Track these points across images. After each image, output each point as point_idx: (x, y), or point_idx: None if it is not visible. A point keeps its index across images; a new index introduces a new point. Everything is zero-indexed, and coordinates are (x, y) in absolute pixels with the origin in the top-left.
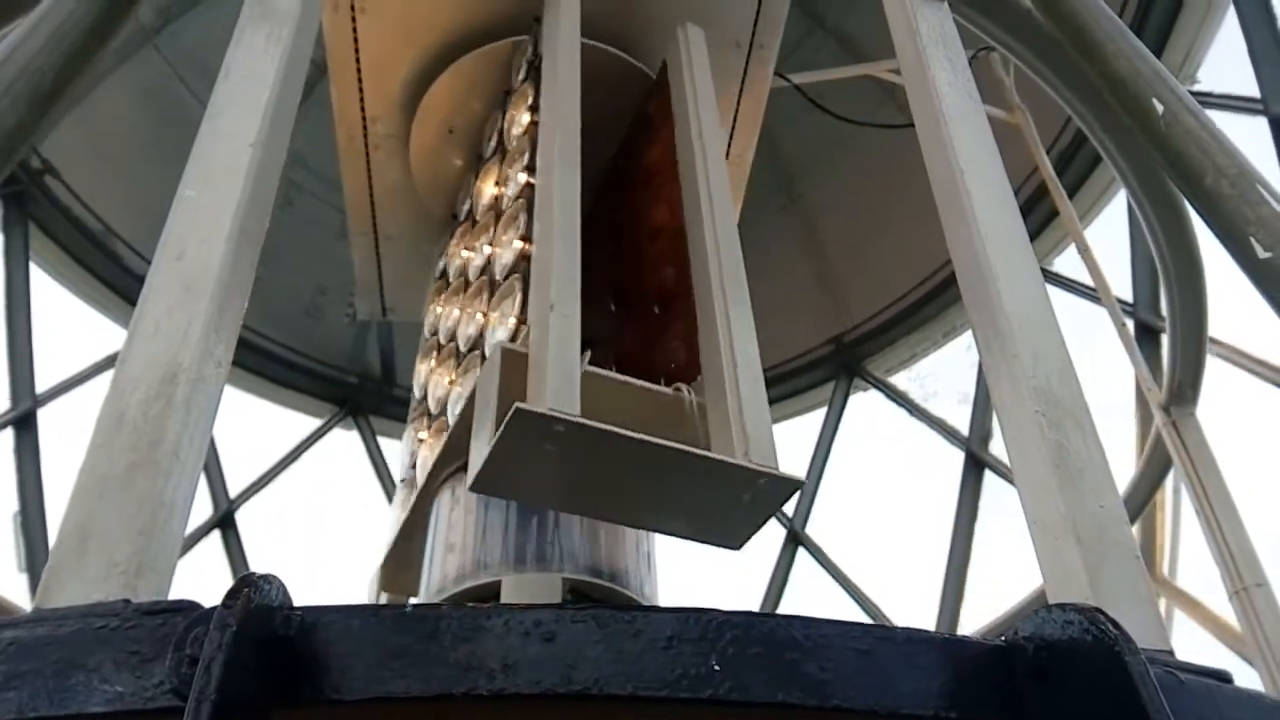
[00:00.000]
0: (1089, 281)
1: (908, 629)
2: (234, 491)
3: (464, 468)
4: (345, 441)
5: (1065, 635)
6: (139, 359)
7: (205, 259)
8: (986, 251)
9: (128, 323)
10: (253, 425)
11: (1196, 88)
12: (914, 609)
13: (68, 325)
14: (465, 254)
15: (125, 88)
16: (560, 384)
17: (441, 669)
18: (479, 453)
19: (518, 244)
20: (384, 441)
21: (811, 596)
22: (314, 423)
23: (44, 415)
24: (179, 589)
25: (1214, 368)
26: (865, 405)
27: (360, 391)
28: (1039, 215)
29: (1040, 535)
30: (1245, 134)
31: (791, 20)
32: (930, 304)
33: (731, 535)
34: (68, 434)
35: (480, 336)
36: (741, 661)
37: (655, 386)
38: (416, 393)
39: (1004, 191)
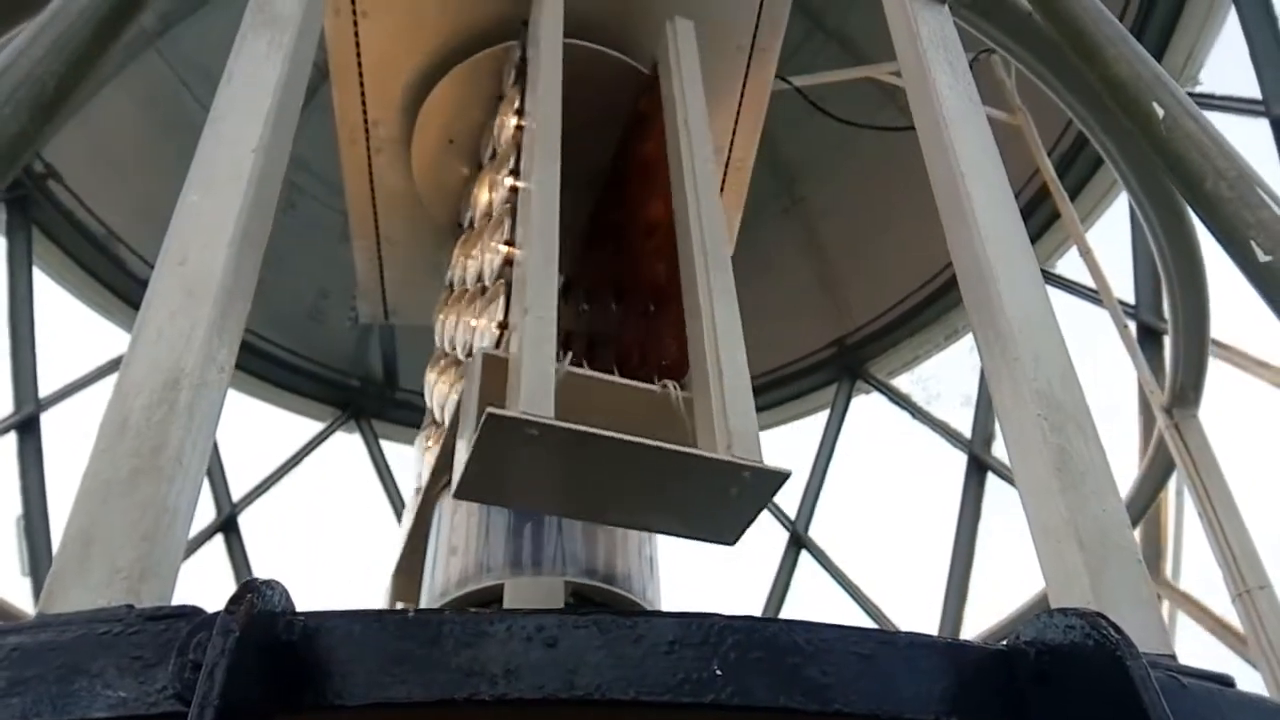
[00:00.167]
0: (1091, 283)
1: (909, 633)
2: (236, 495)
3: None
4: (348, 445)
5: (1067, 640)
6: (142, 364)
7: (208, 264)
8: (987, 254)
9: (130, 326)
10: (255, 429)
11: (1198, 89)
12: (917, 612)
13: (70, 329)
14: (466, 262)
15: (128, 92)
16: (533, 387)
17: (444, 674)
18: (460, 459)
19: (502, 248)
20: (386, 445)
21: (814, 599)
22: (316, 426)
23: (47, 419)
24: (181, 593)
25: (1216, 370)
26: (867, 408)
27: (363, 395)
28: (1041, 217)
29: (1042, 539)
30: (1247, 136)
31: (792, 23)
32: (932, 306)
33: (724, 531)
34: (70, 438)
35: (473, 343)
36: (743, 666)
37: (642, 384)
38: (427, 401)
39: (1005, 194)
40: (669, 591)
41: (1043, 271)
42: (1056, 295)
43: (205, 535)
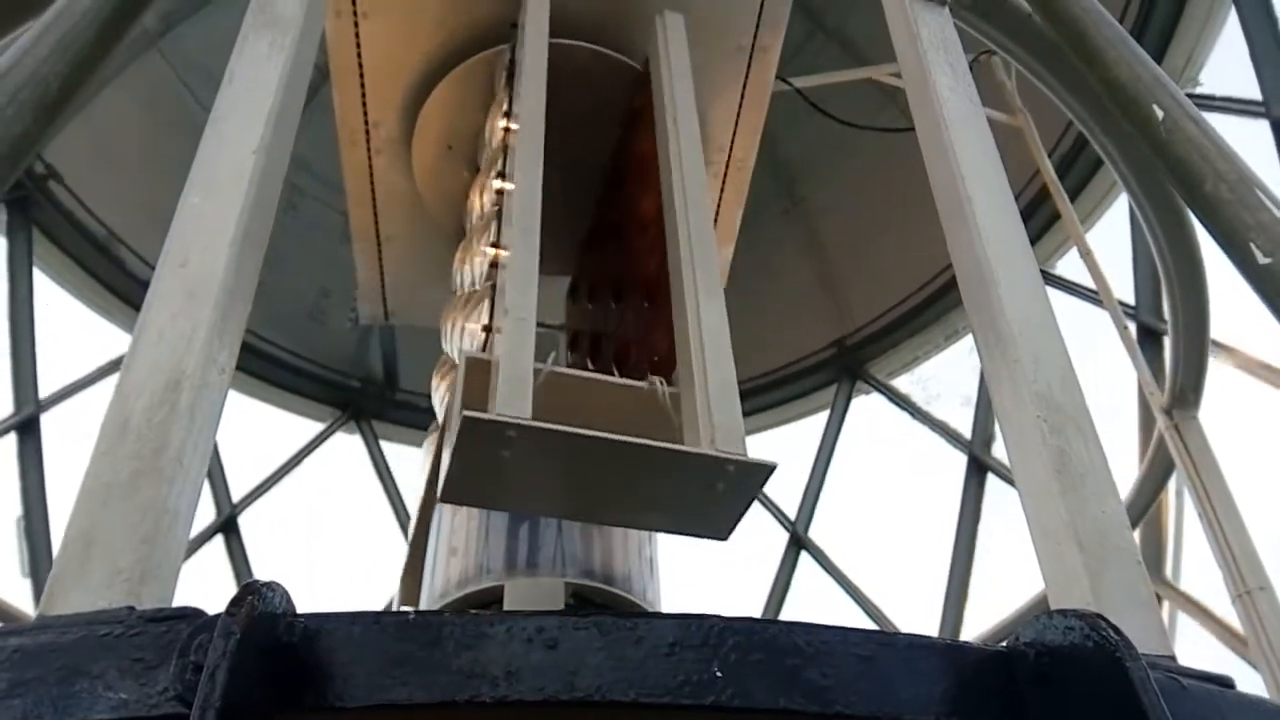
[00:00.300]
0: (1091, 284)
1: (909, 635)
2: (237, 496)
3: None
4: (348, 446)
5: (1066, 641)
6: (143, 365)
7: (209, 266)
8: (988, 256)
9: (131, 327)
10: (255, 429)
11: (1198, 90)
12: (917, 612)
13: (71, 330)
14: (464, 267)
15: (129, 93)
16: (510, 388)
17: (444, 676)
18: (444, 463)
19: (490, 251)
20: (386, 446)
21: (814, 600)
22: (317, 427)
23: (47, 420)
24: (181, 594)
25: (1216, 371)
26: (867, 408)
27: (363, 396)
28: (1041, 218)
29: (1042, 541)
30: (1247, 137)
31: (792, 23)
32: (932, 307)
33: (715, 526)
34: (71, 439)
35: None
36: (743, 668)
37: (630, 381)
38: (434, 404)
39: (1005, 196)
40: (669, 592)
41: (1043, 272)
42: (1056, 296)
43: (205, 536)
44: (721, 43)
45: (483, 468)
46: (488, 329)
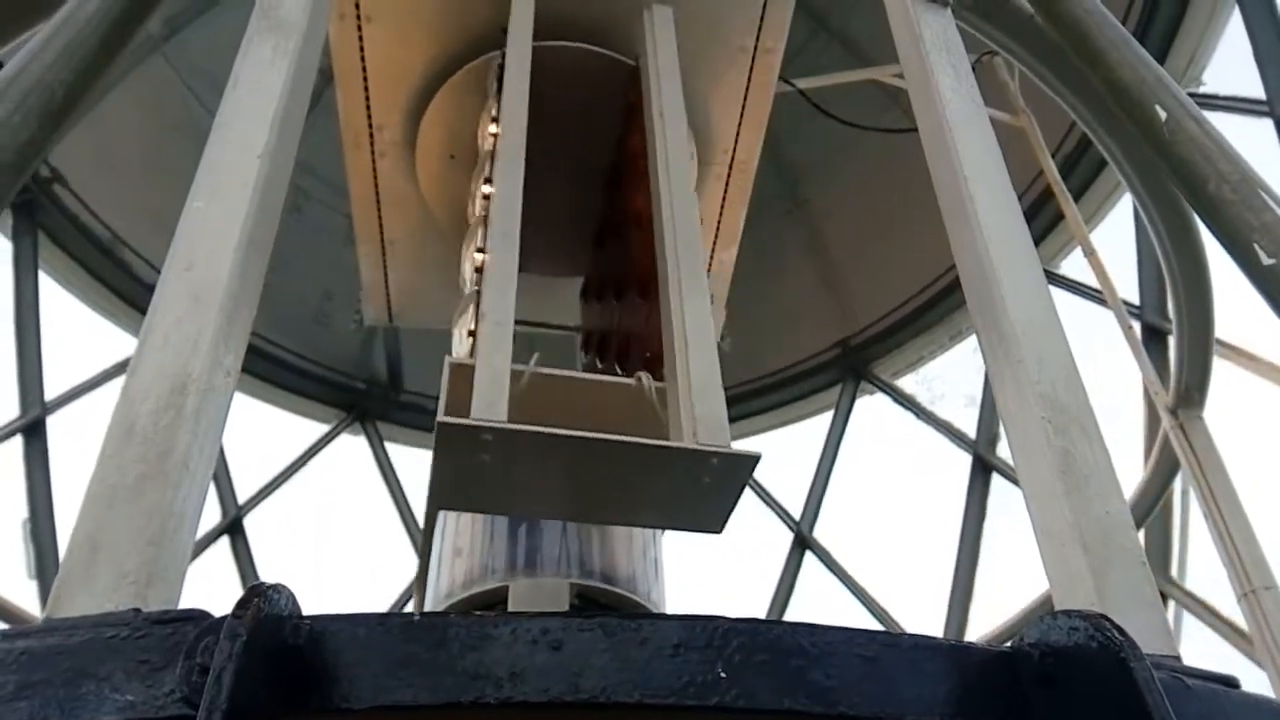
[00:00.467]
0: (1095, 284)
1: (913, 635)
2: (242, 498)
3: None
4: (353, 447)
5: (1071, 641)
6: (148, 369)
7: (214, 270)
8: (991, 257)
9: (136, 330)
10: (260, 431)
11: (1201, 90)
12: (922, 612)
13: (76, 333)
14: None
15: (134, 97)
16: (486, 392)
17: (449, 678)
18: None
19: (477, 256)
20: (392, 447)
21: (819, 601)
22: (322, 429)
23: (53, 422)
24: (187, 596)
25: (1221, 370)
26: (872, 408)
27: (367, 397)
28: (1045, 218)
29: (1046, 541)
30: (1250, 136)
31: (795, 24)
32: (936, 307)
33: (706, 519)
34: (77, 441)
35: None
36: (748, 669)
37: (615, 378)
38: None
39: (1008, 197)
40: (673, 593)
41: (1047, 272)
42: (1061, 296)
43: (211, 538)
44: (724, 44)
45: (464, 473)
46: (473, 333)
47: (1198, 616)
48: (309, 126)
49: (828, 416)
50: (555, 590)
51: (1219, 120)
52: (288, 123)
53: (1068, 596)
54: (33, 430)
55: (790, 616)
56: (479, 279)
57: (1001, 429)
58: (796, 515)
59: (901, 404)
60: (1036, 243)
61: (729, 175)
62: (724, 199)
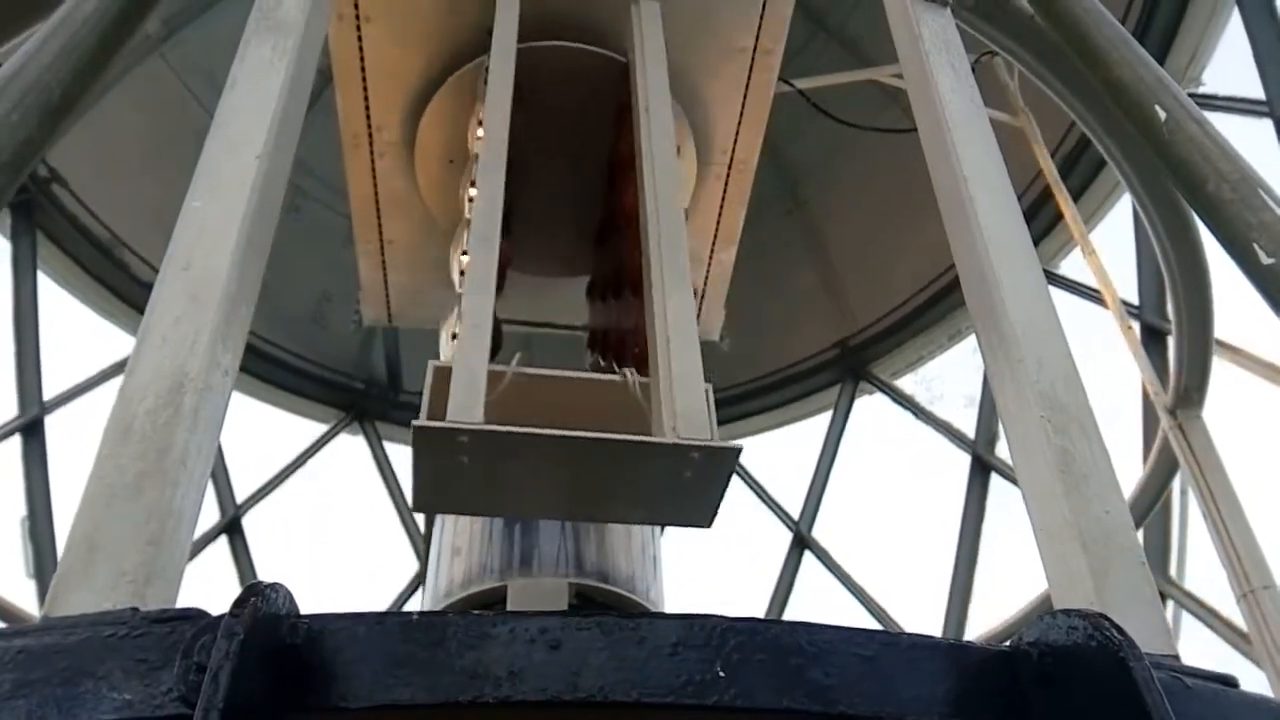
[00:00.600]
0: (1094, 284)
1: (912, 634)
2: (240, 498)
3: None
4: (351, 447)
5: (1070, 641)
6: (147, 369)
7: (212, 269)
8: (990, 257)
9: (134, 330)
10: (259, 431)
11: (1201, 90)
12: (921, 612)
13: (74, 332)
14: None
15: (132, 97)
16: (462, 395)
17: (447, 677)
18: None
19: (463, 258)
20: (390, 447)
21: (817, 601)
22: (320, 429)
23: (51, 422)
24: (185, 596)
25: (1220, 370)
26: (871, 409)
27: (366, 397)
28: (1044, 218)
29: (1045, 541)
30: (1250, 137)
31: (794, 24)
32: (935, 307)
33: (693, 514)
34: (75, 440)
35: None
36: (746, 668)
37: (600, 375)
38: None
39: (1008, 197)
40: (672, 592)
41: (1046, 272)
42: (1060, 296)
43: (209, 538)
44: (724, 44)
45: (444, 475)
46: (455, 336)
47: (1197, 616)
48: (307, 126)
49: (827, 416)
50: (554, 589)
51: (1218, 121)
52: (286, 123)
53: (1067, 596)
54: (31, 430)
55: (789, 616)
56: (463, 281)
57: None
58: (795, 515)
59: (900, 404)
60: (1036, 243)
61: (728, 175)
62: (723, 199)
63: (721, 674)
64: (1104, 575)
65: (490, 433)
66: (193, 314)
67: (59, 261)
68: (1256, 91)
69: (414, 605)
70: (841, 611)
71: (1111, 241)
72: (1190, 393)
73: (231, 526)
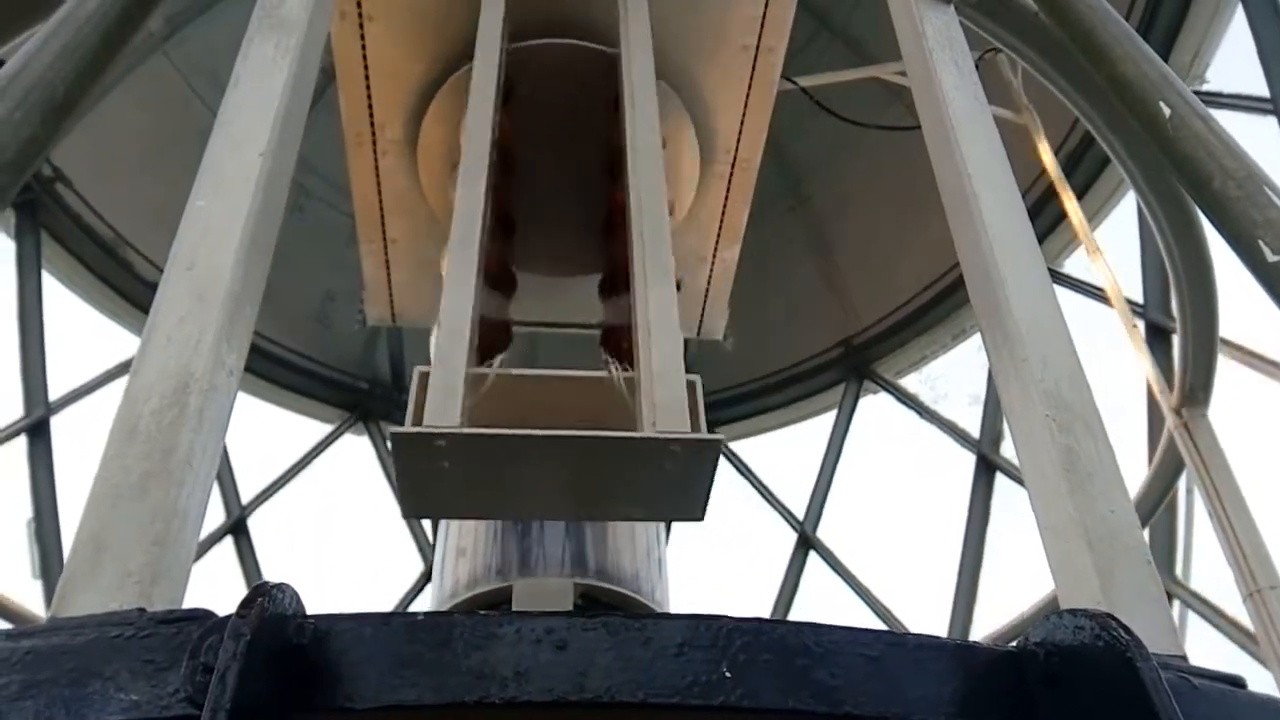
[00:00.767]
0: (1098, 282)
1: (918, 635)
2: (246, 498)
3: None
4: (356, 447)
5: (1077, 641)
6: (151, 369)
7: (216, 269)
8: (994, 255)
9: (139, 329)
10: (264, 431)
11: (1205, 88)
12: (926, 612)
13: (79, 332)
14: None
15: (135, 96)
16: (438, 399)
17: (454, 677)
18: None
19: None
20: None
21: (823, 600)
22: (325, 429)
23: (57, 422)
24: (191, 596)
25: (1226, 369)
26: (875, 408)
27: (370, 397)
28: (1048, 216)
29: (1051, 540)
30: (1255, 134)
31: (797, 22)
32: (940, 306)
33: (684, 507)
34: (80, 441)
35: None
36: (752, 668)
37: (587, 373)
38: None
39: (1012, 195)
40: (677, 592)
41: (1050, 271)
42: (1064, 294)
43: (215, 538)
44: (726, 42)
45: (429, 480)
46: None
47: (1203, 616)
48: (310, 124)
49: (831, 416)
50: (559, 590)
51: (1223, 118)
52: (290, 121)
53: (1073, 595)
54: (36, 430)
55: (794, 616)
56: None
57: (1005, 428)
58: (800, 515)
59: (905, 403)
60: (1039, 241)
61: (732, 174)
62: (726, 197)
63: (728, 674)
64: (1110, 574)
65: (468, 435)
66: (197, 313)
67: (63, 261)
68: (1261, 89)
69: (420, 605)
70: (846, 612)
71: (1116, 239)
72: (1195, 391)
73: (237, 527)
